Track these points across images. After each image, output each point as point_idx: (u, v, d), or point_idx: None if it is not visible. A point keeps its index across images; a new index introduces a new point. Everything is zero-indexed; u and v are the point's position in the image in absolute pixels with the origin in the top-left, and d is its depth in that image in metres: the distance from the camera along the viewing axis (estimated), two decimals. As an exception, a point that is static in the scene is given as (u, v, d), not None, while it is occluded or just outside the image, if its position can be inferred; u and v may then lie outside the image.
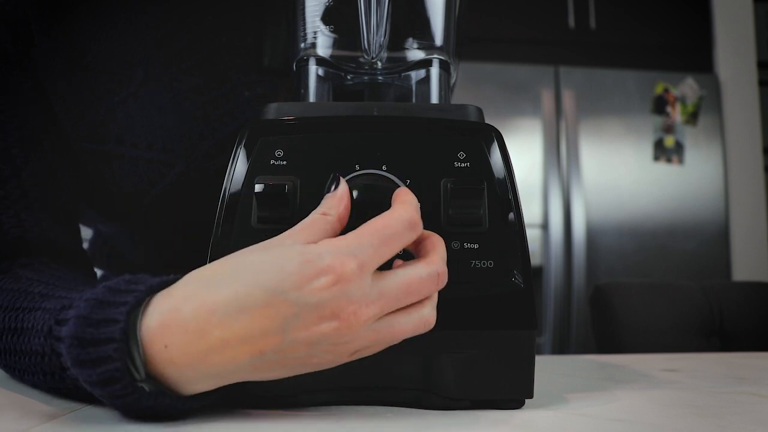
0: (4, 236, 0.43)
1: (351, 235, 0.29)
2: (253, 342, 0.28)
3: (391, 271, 0.30)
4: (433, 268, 0.30)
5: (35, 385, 0.36)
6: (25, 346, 0.34)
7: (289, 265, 0.28)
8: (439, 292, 0.32)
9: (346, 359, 0.30)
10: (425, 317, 0.30)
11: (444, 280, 0.30)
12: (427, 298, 0.30)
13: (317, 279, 0.28)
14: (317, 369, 0.30)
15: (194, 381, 0.29)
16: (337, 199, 0.31)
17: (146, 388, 0.28)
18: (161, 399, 0.29)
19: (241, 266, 0.29)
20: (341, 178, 0.32)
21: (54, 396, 0.36)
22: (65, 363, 0.29)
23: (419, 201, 0.34)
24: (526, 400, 0.34)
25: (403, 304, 0.29)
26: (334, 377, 0.33)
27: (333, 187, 0.32)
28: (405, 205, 0.31)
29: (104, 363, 0.28)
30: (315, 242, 0.29)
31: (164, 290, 0.30)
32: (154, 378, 0.29)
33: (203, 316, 0.28)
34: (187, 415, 0.31)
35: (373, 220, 0.30)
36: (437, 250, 0.31)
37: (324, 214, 0.31)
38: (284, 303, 0.28)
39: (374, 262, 0.29)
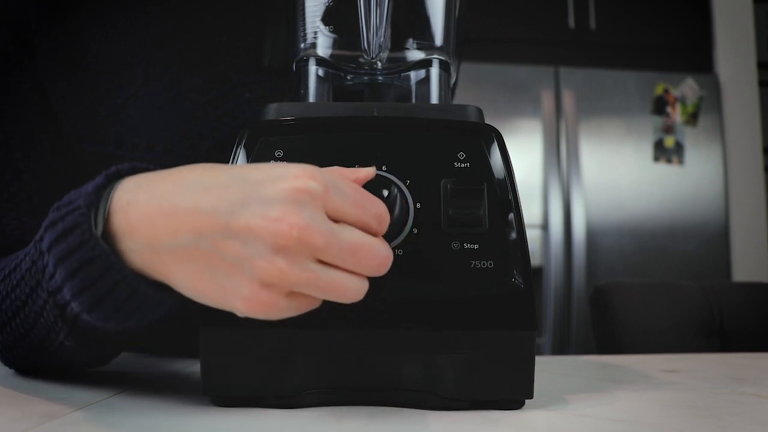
0: (5, 239, 0.43)
1: (334, 174, 0.30)
2: (197, 217, 0.28)
3: (346, 225, 0.29)
4: (386, 250, 0.29)
5: (22, 339, 0.37)
6: (16, 275, 0.36)
7: (262, 165, 0.30)
8: (440, 293, 0.31)
9: (269, 304, 0.28)
10: (361, 287, 0.29)
11: (387, 267, 0.30)
12: (362, 275, 0.30)
13: (280, 180, 0.28)
14: (237, 303, 0.28)
15: (135, 247, 0.29)
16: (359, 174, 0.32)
17: (100, 242, 0.29)
18: (112, 258, 0.29)
19: (225, 165, 0.31)
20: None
21: (34, 358, 0.38)
22: (44, 251, 0.31)
23: (419, 201, 0.34)
24: (526, 401, 0.34)
25: (344, 261, 0.28)
26: (334, 377, 0.33)
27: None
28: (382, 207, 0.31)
29: (73, 213, 0.30)
30: None
31: (151, 172, 0.31)
32: (106, 238, 0.30)
33: (169, 186, 0.29)
34: (136, 314, 0.31)
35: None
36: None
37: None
38: (241, 189, 0.28)
39: (336, 205, 0.29)
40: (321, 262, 0.29)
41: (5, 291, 0.37)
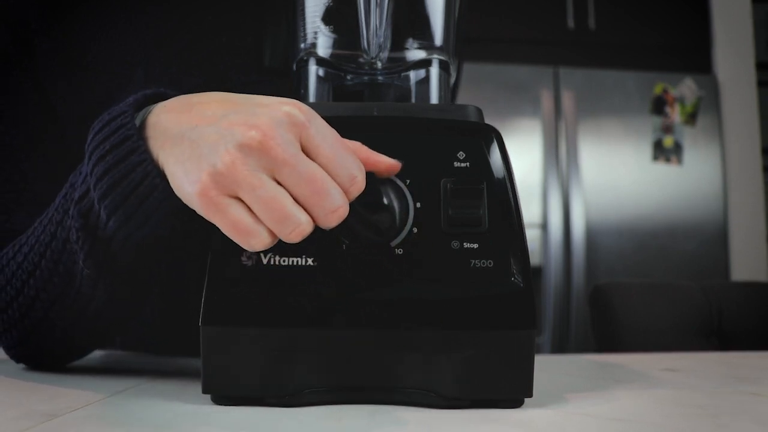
0: (15, 238, 0.43)
1: (353, 145, 0.32)
2: (198, 113, 0.31)
3: (316, 164, 0.30)
4: (341, 200, 0.30)
5: (44, 284, 0.39)
6: (38, 231, 0.39)
7: (278, 98, 0.32)
8: (440, 292, 0.31)
9: (216, 190, 0.30)
10: (302, 222, 0.30)
11: (337, 217, 0.30)
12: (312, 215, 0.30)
13: (275, 103, 0.31)
14: (193, 183, 0.30)
15: (156, 134, 0.33)
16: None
17: (133, 126, 0.33)
18: (138, 143, 0.32)
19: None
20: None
21: (47, 312, 0.39)
22: (78, 182, 0.35)
23: (419, 201, 0.34)
24: (526, 400, 0.34)
25: (296, 188, 0.30)
26: (335, 376, 0.33)
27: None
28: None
29: (117, 118, 0.34)
30: None
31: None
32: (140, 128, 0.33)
33: (192, 100, 0.33)
34: (155, 219, 0.34)
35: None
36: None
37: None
38: (242, 103, 0.31)
39: (312, 141, 0.30)
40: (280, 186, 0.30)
41: (23, 254, 0.39)
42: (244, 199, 0.30)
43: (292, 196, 0.30)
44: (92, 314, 0.39)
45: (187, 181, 0.30)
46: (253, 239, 0.30)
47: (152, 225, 0.34)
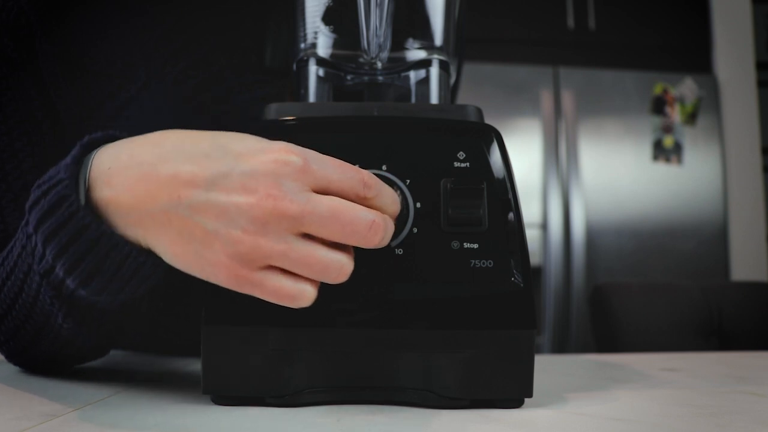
0: (9, 237, 0.43)
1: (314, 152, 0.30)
2: (177, 184, 0.28)
3: (330, 196, 0.29)
4: (371, 214, 0.28)
5: (21, 329, 0.37)
6: (9, 263, 0.36)
7: (246, 138, 0.29)
8: (440, 292, 0.31)
9: (247, 276, 0.28)
10: (344, 264, 0.28)
11: (378, 234, 0.28)
12: (349, 247, 0.29)
13: (261, 153, 0.28)
14: (216, 272, 0.28)
15: (118, 213, 0.29)
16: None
17: (87, 213, 0.29)
18: (102, 227, 0.29)
19: (207, 132, 0.30)
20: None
21: (34, 352, 0.38)
22: (31, 233, 0.31)
23: (419, 201, 0.34)
24: (526, 400, 0.34)
25: (325, 229, 0.28)
26: (335, 376, 0.33)
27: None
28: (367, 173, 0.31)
29: (55, 187, 0.30)
30: None
31: (129, 138, 0.31)
32: (91, 208, 0.30)
33: (149, 150, 0.29)
34: (131, 284, 0.31)
35: None
36: (386, 213, 0.30)
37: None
38: (222, 159, 0.28)
39: (319, 175, 0.28)
40: (307, 236, 0.28)
41: (3, 275, 0.37)
42: (277, 266, 0.28)
43: (324, 239, 0.28)
44: (81, 343, 0.37)
45: (206, 264, 0.28)
46: (299, 300, 0.29)
47: (132, 288, 0.31)
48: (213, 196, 0.28)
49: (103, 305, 0.33)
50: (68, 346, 0.38)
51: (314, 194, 0.28)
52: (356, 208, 0.28)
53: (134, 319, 0.37)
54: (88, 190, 0.30)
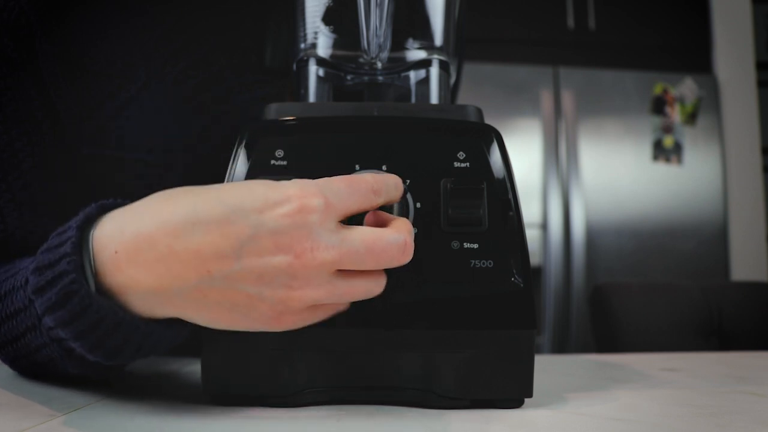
0: (8, 239, 0.43)
1: (321, 179, 0.29)
2: (203, 259, 0.26)
3: (356, 227, 0.29)
4: (400, 236, 0.29)
5: (25, 358, 0.36)
6: (10, 307, 0.33)
7: (255, 188, 0.28)
8: (440, 292, 0.31)
9: (295, 318, 0.28)
10: (380, 284, 0.30)
11: (409, 253, 0.29)
12: (381, 270, 0.30)
13: (280, 205, 0.27)
14: (265, 326, 0.28)
15: (140, 297, 0.28)
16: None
17: (102, 304, 0.27)
18: (119, 315, 0.27)
19: (206, 187, 0.29)
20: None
21: (38, 371, 0.37)
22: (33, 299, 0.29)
23: (419, 201, 0.34)
24: (526, 400, 0.34)
25: (363, 264, 0.28)
26: (335, 376, 0.33)
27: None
28: (376, 174, 0.31)
29: (60, 279, 0.27)
30: None
31: (123, 207, 0.29)
32: (105, 293, 0.28)
33: (157, 225, 0.27)
34: (152, 350, 0.30)
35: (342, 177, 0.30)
36: (405, 224, 0.31)
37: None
38: (242, 222, 0.26)
39: (341, 207, 0.28)
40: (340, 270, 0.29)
41: (3, 315, 0.35)
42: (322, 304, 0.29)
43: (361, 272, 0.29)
44: (89, 377, 0.36)
45: (253, 322, 0.28)
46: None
47: (145, 354, 0.31)
48: (246, 263, 0.27)
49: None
50: (74, 376, 0.37)
51: (345, 232, 0.28)
52: (385, 234, 0.29)
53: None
54: (96, 275, 0.28)
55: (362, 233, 0.28)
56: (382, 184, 0.31)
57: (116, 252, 0.27)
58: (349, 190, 0.29)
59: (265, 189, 0.28)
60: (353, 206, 0.29)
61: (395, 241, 0.29)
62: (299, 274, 0.27)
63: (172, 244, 0.27)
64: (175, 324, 0.30)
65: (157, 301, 0.28)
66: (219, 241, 0.26)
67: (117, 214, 0.29)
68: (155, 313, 0.29)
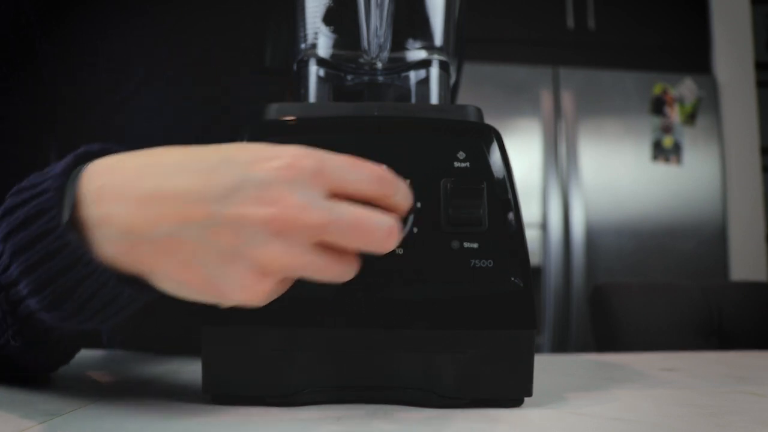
0: None
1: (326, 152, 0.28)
2: (183, 204, 0.25)
3: (346, 202, 0.27)
4: (390, 220, 0.27)
5: None
6: None
7: (250, 145, 0.27)
8: (440, 292, 0.31)
9: (267, 289, 0.27)
10: (353, 268, 0.28)
11: (394, 240, 0.28)
12: (356, 255, 0.28)
13: (273, 159, 0.26)
14: (235, 294, 0.26)
15: (110, 236, 0.26)
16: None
17: (69, 234, 0.26)
18: (80, 253, 0.26)
19: (209, 146, 0.28)
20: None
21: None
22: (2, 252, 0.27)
23: (419, 201, 0.34)
24: (525, 399, 0.34)
25: (347, 238, 0.27)
26: (335, 376, 0.33)
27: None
28: (390, 172, 0.29)
29: (36, 197, 0.27)
30: None
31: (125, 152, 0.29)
32: (76, 225, 0.27)
33: (148, 165, 0.27)
34: (103, 309, 0.28)
35: None
36: (400, 208, 0.29)
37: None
38: (230, 172, 0.26)
39: (335, 178, 0.27)
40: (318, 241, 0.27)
41: None
42: (298, 275, 0.27)
43: (344, 246, 0.27)
44: (23, 364, 0.34)
45: (224, 289, 0.26)
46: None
47: (101, 320, 0.29)
48: (226, 213, 0.25)
49: (62, 332, 0.31)
50: (5, 365, 0.34)
51: (336, 203, 0.27)
52: (375, 215, 0.27)
53: (94, 345, 0.34)
54: (74, 207, 0.27)
55: (352, 207, 0.27)
56: (390, 180, 0.29)
57: (101, 185, 0.27)
58: (349, 167, 0.27)
59: (259, 146, 0.27)
60: (350, 185, 0.27)
61: (384, 223, 0.27)
62: (280, 234, 0.25)
63: (158, 184, 0.26)
64: (134, 283, 0.28)
65: (124, 244, 0.26)
66: (202, 187, 0.26)
67: (115, 155, 0.29)
68: (118, 260, 0.27)
